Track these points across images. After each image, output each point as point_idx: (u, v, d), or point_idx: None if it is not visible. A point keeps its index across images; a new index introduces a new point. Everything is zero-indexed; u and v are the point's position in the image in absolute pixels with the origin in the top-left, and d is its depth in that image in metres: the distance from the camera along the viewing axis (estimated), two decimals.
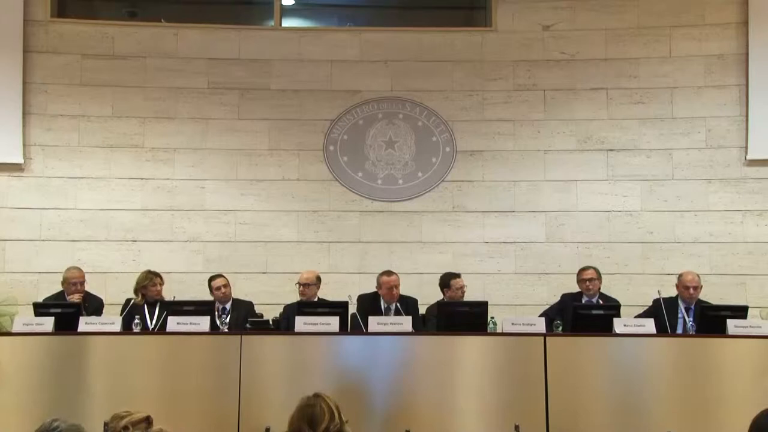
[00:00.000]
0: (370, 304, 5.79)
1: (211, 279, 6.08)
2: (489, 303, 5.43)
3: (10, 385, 4.82)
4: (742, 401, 4.61)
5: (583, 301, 5.91)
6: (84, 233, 7.00)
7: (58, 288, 6.01)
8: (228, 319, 5.75)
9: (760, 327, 5.17)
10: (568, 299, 5.98)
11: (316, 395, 3.00)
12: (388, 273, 5.84)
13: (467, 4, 8.26)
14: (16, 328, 5.12)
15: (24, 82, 7.05)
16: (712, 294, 6.13)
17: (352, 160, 7.23)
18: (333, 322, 5.07)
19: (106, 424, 3.95)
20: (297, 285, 6.00)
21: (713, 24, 7.16)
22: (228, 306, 5.99)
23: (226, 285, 6.03)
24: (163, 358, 4.94)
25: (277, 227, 7.11)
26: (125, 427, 3.13)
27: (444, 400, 4.84)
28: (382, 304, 5.79)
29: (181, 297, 5.97)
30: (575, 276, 6.20)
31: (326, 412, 2.92)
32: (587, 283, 5.96)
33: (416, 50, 7.34)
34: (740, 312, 5.34)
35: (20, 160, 6.99)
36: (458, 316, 5.35)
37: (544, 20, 7.31)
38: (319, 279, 6.04)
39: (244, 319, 5.74)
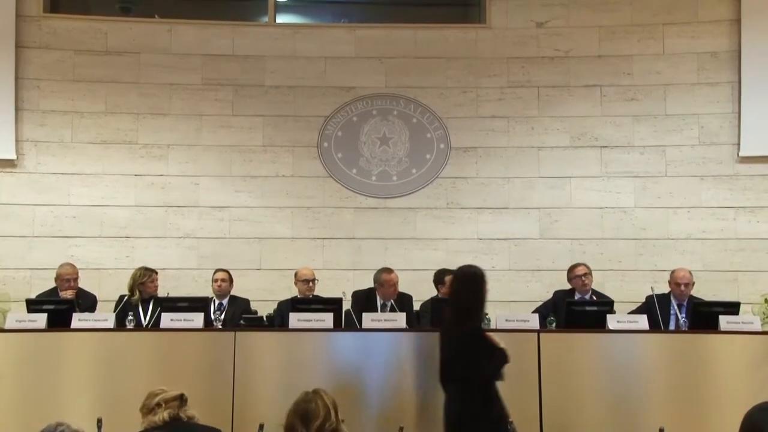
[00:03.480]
0: (364, 300, 5.79)
1: (214, 272, 6.13)
2: None
3: (2, 382, 4.80)
4: (735, 396, 4.63)
5: (576, 298, 5.92)
6: (77, 229, 6.98)
7: (51, 284, 5.99)
8: (223, 316, 5.76)
9: (752, 323, 5.20)
10: (561, 296, 5.99)
11: (315, 391, 2.95)
12: (389, 271, 5.82)
13: (461, 1, 8.26)
14: (8, 325, 5.10)
15: (16, 78, 7.02)
16: (705, 290, 6.16)
17: (347, 157, 7.23)
18: (327, 319, 5.07)
19: (99, 421, 3.95)
20: (303, 282, 5.94)
21: (706, 21, 7.18)
22: (225, 302, 6.02)
23: (225, 280, 6.06)
24: (156, 355, 4.93)
25: (271, 224, 7.11)
26: (158, 404, 3.13)
27: (438, 396, 4.83)
28: (378, 301, 5.79)
29: (175, 293, 5.97)
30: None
31: (321, 409, 2.87)
32: (583, 278, 5.97)
33: (410, 47, 7.34)
34: (732, 308, 5.36)
35: (13, 156, 6.97)
36: None
37: (538, 17, 7.32)
38: None
39: (240, 315, 5.75)
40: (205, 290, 6.27)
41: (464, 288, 3.98)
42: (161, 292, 5.91)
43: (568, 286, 6.11)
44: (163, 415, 3.11)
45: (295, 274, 6.08)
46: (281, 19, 7.60)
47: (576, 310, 5.45)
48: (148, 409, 3.19)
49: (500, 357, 3.93)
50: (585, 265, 6.08)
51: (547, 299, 6.19)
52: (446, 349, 3.96)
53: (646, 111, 7.16)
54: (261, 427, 3.79)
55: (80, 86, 7.13)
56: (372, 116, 7.30)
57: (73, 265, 6.01)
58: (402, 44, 7.34)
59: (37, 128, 7.06)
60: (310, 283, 5.96)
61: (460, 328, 3.93)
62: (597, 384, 4.91)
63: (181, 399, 3.16)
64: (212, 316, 5.64)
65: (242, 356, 4.85)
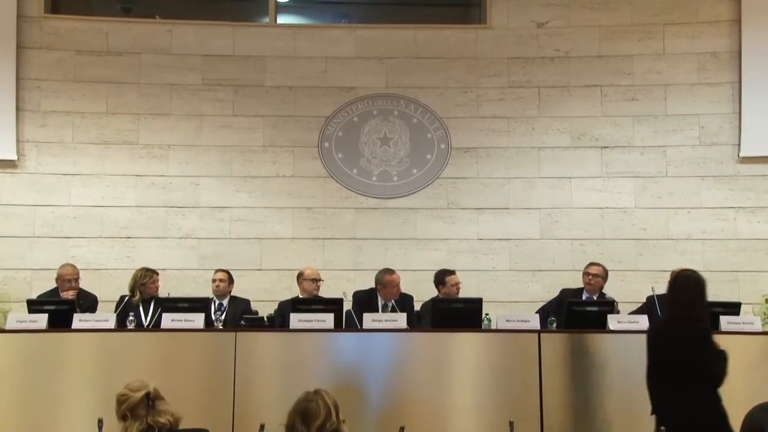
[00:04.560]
0: (365, 300, 5.79)
1: (214, 272, 6.15)
2: (483, 300, 5.44)
3: (3, 383, 4.81)
4: (735, 396, 4.62)
5: (584, 298, 5.92)
6: (78, 230, 6.98)
7: (52, 285, 5.99)
8: (224, 316, 5.76)
9: (753, 323, 5.20)
10: (567, 294, 5.97)
11: (316, 392, 2.96)
12: (391, 272, 5.82)
13: (462, 1, 8.26)
14: (9, 325, 5.10)
15: (17, 78, 7.02)
16: None
17: (347, 157, 7.23)
18: (328, 319, 5.08)
19: (100, 421, 3.95)
20: (312, 281, 5.93)
21: (706, 21, 7.18)
22: (225, 302, 6.02)
23: (223, 280, 6.06)
24: (157, 356, 4.93)
25: (271, 224, 7.11)
26: (125, 415, 3.04)
27: (439, 396, 4.86)
28: (379, 301, 5.79)
29: (175, 294, 5.98)
30: (570, 273, 6.23)
31: (322, 408, 2.88)
32: (590, 278, 5.97)
33: (411, 47, 7.34)
34: (733, 308, 5.37)
35: (14, 157, 6.97)
36: (453, 312, 5.36)
37: (539, 17, 7.32)
38: None
39: (240, 316, 5.75)
40: (206, 291, 6.26)
41: (687, 291, 4.06)
42: (162, 293, 5.91)
43: (569, 285, 6.10)
44: None
45: (301, 274, 6.05)
46: (282, 19, 7.60)
47: (577, 310, 5.45)
48: (120, 417, 3.09)
49: (725, 358, 3.98)
50: (601, 266, 6.05)
51: (553, 297, 6.17)
52: (668, 349, 3.98)
53: (647, 111, 7.16)
54: (262, 427, 3.78)
55: (81, 87, 7.13)
56: (372, 116, 7.30)
57: (73, 266, 6.01)
58: (402, 44, 7.34)
59: (38, 129, 7.07)
60: (318, 282, 5.96)
61: (686, 328, 3.96)
62: (598, 384, 4.92)
63: (147, 400, 2.97)
64: (213, 317, 5.65)
65: (243, 357, 4.85)
